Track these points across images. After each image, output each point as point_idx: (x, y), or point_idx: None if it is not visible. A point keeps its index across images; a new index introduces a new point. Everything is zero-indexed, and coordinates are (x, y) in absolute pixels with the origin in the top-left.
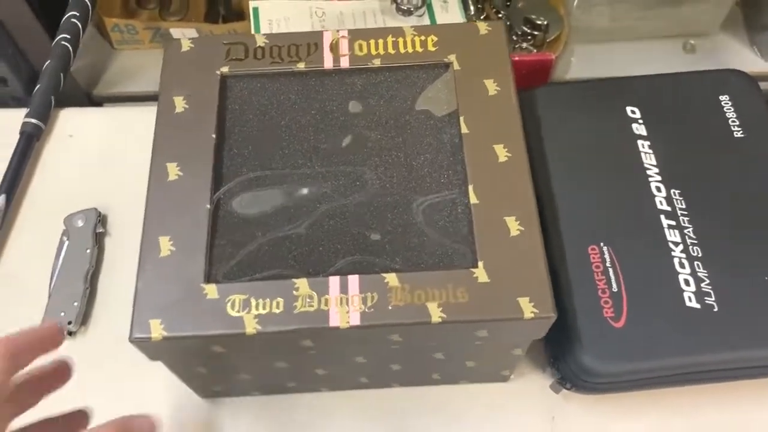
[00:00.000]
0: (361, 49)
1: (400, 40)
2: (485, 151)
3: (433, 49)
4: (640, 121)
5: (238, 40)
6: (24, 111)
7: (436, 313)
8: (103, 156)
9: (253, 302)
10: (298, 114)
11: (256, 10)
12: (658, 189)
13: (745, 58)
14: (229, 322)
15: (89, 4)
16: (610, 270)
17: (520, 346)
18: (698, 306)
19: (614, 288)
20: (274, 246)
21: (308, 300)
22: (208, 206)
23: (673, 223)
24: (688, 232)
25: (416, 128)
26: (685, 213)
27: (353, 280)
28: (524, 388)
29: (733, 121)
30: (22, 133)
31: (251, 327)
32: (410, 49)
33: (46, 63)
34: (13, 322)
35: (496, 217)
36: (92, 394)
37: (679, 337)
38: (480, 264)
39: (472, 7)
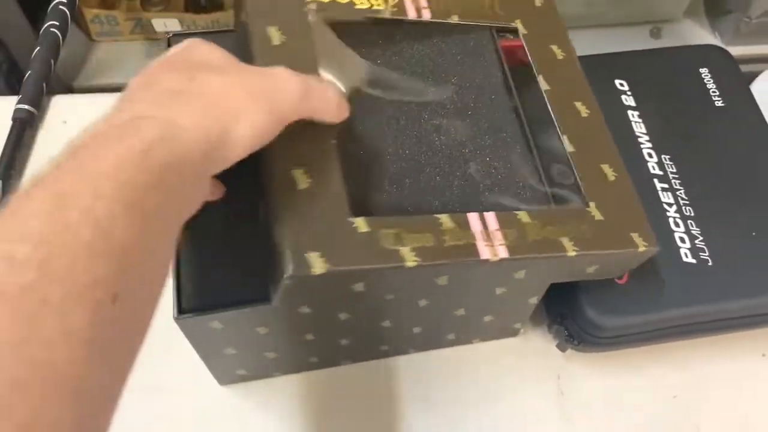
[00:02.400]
0: (439, 4)
1: None
2: (568, 107)
3: (501, 12)
4: (629, 92)
5: None
6: (14, 99)
7: (570, 247)
8: None
9: (404, 236)
10: (388, 58)
11: None
12: (650, 155)
13: (707, 42)
14: (388, 255)
15: None
16: None
17: (537, 294)
18: (694, 261)
19: None
20: (410, 182)
21: (455, 234)
22: (334, 141)
23: (666, 186)
24: (680, 194)
25: (498, 86)
26: (677, 176)
27: (490, 216)
28: (528, 351)
29: (714, 92)
30: (15, 119)
31: (411, 260)
32: (481, 10)
33: (36, 50)
34: None
35: (593, 164)
36: None
37: (678, 290)
38: (591, 204)
39: None
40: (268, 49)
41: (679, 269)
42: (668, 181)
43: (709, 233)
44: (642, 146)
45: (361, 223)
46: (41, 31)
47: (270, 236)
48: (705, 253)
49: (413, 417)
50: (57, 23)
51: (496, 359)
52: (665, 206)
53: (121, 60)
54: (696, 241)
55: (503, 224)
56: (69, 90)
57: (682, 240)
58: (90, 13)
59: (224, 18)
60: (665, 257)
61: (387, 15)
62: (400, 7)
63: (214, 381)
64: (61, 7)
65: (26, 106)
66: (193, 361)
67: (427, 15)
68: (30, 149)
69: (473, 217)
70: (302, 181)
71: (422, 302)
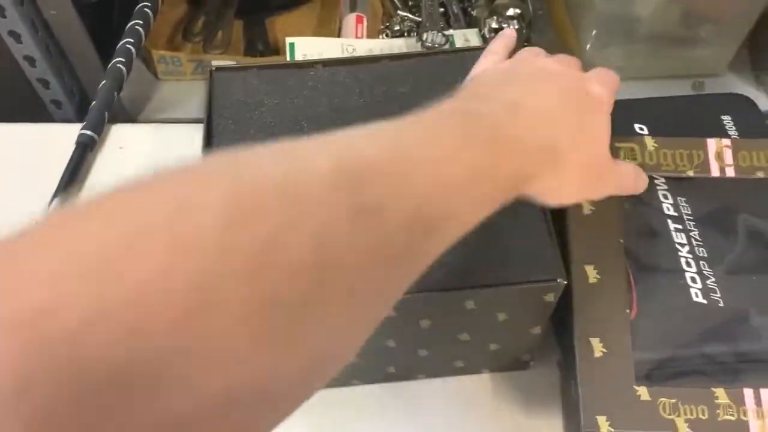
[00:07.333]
0: (744, 159)
1: None
2: None
3: None
4: (647, 135)
5: (628, 142)
6: (79, 126)
7: None
8: (151, 167)
9: (681, 407)
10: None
11: (292, 45)
12: (665, 196)
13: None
14: (662, 423)
15: (143, 32)
16: None
17: (538, 324)
18: (705, 301)
19: None
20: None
21: (728, 410)
22: (628, 311)
23: (680, 226)
24: (694, 235)
25: None
26: (691, 218)
27: (765, 393)
28: (536, 384)
29: (735, 138)
30: (78, 143)
31: (683, 430)
32: None
33: (102, 82)
34: None
35: None
36: None
37: (687, 329)
38: None
39: None
40: (585, 286)
41: (689, 308)
42: (682, 222)
43: (721, 275)
44: (658, 188)
45: (643, 392)
46: (109, 66)
47: (570, 392)
48: (716, 294)
49: None
50: (123, 60)
51: (504, 391)
52: (678, 246)
53: (184, 98)
54: (707, 282)
55: None
56: (133, 123)
57: (693, 280)
58: (157, 54)
59: (278, 61)
60: (675, 295)
61: (690, 174)
62: (703, 166)
63: None
64: (128, 45)
65: (89, 132)
66: None
67: (731, 173)
68: (88, 170)
69: (748, 393)
70: (597, 349)
71: (425, 323)
